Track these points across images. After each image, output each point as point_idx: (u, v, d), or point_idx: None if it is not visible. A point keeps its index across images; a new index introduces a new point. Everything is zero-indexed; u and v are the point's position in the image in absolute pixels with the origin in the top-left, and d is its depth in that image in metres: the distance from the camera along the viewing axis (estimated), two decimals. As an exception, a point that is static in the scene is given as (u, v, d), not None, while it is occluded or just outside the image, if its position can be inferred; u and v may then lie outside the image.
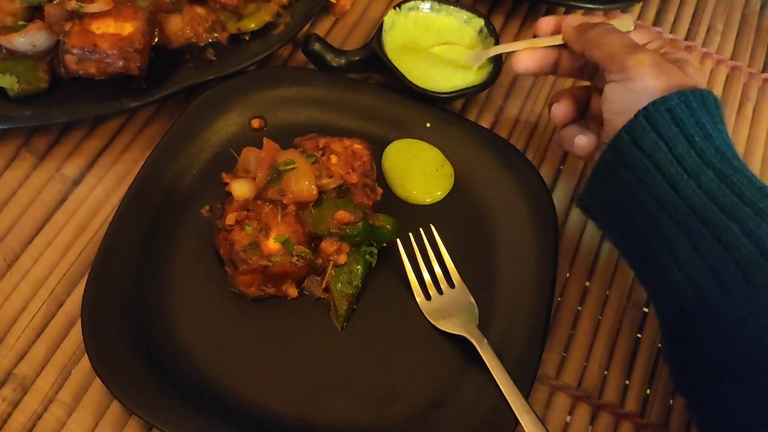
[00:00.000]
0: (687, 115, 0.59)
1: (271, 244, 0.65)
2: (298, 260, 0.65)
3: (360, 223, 0.67)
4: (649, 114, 0.59)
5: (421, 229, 0.71)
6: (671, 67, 0.63)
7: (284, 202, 0.66)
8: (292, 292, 0.67)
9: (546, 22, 0.75)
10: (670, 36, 0.96)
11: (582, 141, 0.70)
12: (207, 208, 0.70)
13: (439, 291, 0.69)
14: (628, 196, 0.61)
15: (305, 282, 0.68)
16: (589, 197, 0.67)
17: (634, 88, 0.62)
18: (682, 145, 0.58)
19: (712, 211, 0.56)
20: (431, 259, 0.70)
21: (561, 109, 0.73)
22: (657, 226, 0.59)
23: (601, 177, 0.64)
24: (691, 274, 0.56)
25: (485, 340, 0.65)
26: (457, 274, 0.70)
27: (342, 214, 0.66)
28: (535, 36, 0.76)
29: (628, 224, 0.63)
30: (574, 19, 0.72)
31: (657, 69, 0.62)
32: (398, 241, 0.69)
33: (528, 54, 0.73)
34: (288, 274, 0.66)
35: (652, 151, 0.59)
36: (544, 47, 0.74)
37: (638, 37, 0.69)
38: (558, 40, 0.74)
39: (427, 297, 0.69)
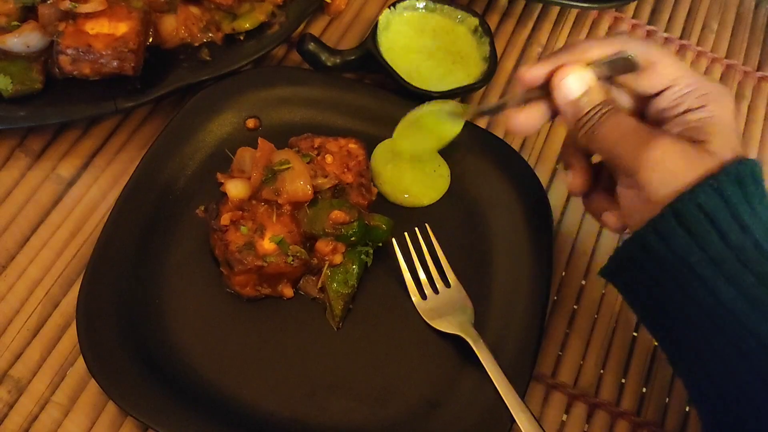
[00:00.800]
0: (720, 208, 0.51)
1: (267, 245, 0.65)
2: (293, 260, 0.65)
3: (355, 223, 0.66)
4: (677, 211, 0.52)
5: (416, 229, 0.71)
6: (691, 150, 0.53)
7: (279, 202, 0.66)
8: (288, 292, 0.67)
9: (530, 75, 0.61)
10: (665, 35, 0.96)
11: (611, 221, 0.61)
12: (202, 208, 0.69)
13: (435, 290, 0.69)
14: (658, 288, 0.56)
15: (301, 282, 0.68)
16: (614, 271, 0.61)
17: (646, 199, 0.54)
18: (717, 246, 0.51)
19: (756, 320, 0.51)
20: (427, 259, 0.70)
21: (578, 183, 0.64)
22: (694, 324, 0.54)
23: (627, 261, 0.58)
24: (741, 383, 0.52)
25: (481, 339, 0.65)
26: (453, 273, 0.70)
27: (337, 214, 0.66)
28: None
29: (659, 312, 0.58)
30: (566, 80, 0.59)
31: (670, 174, 0.53)
32: (393, 240, 0.69)
33: (523, 117, 0.62)
34: (283, 274, 0.66)
35: (684, 253, 0.52)
36: (537, 103, 0.62)
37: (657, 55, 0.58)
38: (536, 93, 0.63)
39: (423, 296, 0.69)
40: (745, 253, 0.51)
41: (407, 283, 0.69)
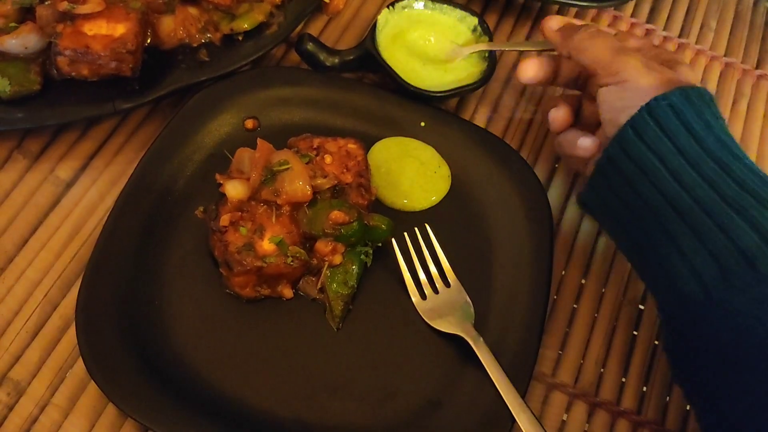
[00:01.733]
0: (687, 108, 0.60)
1: (266, 245, 0.65)
2: (292, 261, 0.64)
3: (355, 223, 0.66)
4: (651, 109, 0.61)
5: (416, 229, 0.71)
6: (661, 67, 0.65)
7: (278, 202, 0.66)
8: (287, 293, 0.67)
9: (550, 22, 0.75)
10: (664, 33, 0.96)
11: (586, 142, 0.69)
12: (201, 209, 0.69)
13: (435, 290, 0.69)
14: (631, 190, 0.62)
15: (300, 283, 0.68)
16: (591, 194, 0.67)
17: (629, 88, 0.63)
18: (684, 137, 0.59)
19: (714, 200, 0.57)
20: (426, 259, 0.70)
21: (560, 114, 0.73)
22: (660, 218, 0.60)
23: (604, 173, 0.65)
24: (694, 263, 0.57)
25: (481, 339, 0.65)
26: (453, 273, 0.70)
27: (337, 215, 0.66)
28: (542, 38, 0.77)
29: (630, 219, 0.64)
30: (555, 21, 0.74)
31: (647, 69, 0.64)
32: (393, 241, 0.69)
33: (532, 63, 0.75)
34: (283, 275, 0.66)
35: (655, 144, 0.60)
36: (547, 54, 0.75)
37: (623, 40, 0.70)
38: (546, 44, 0.75)
39: (423, 296, 0.69)
40: (708, 143, 0.59)
41: (407, 283, 0.69)
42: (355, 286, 0.67)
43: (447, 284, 0.70)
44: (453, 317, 0.67)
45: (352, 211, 0.67)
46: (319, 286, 0.67)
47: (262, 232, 0.65)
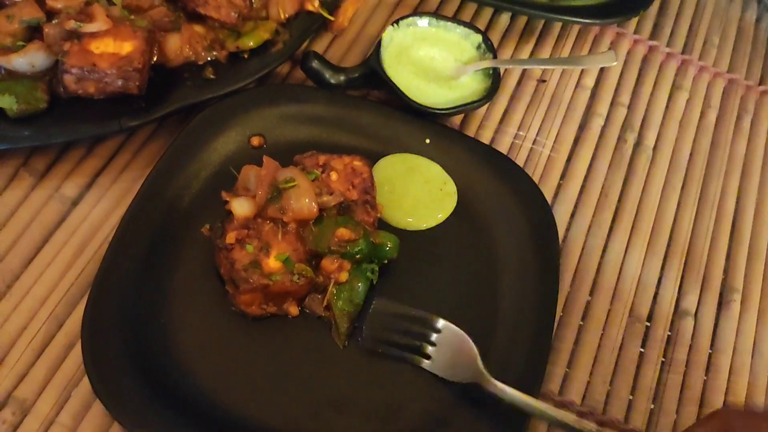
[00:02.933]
0: None
1: (272, 263, 0.65)
2: (299, 278, 0.64)
3: (361, 241, 0.66)
4: None
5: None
6: None
7: (284, 219, 0.66)
8: (293, 310, 0.67)
9: None
10: (667, 50, 0.97)
11: None
12: (207, 227, 0.69)
13: (432, 344, 0.66)
14: None
15: (306, 300, 0.68)
16: None
17: None
18: None
19: None
20: (410, 328, 0.66)
21: None
22: None
23: None
24: None
25: (491, 378, 0.62)
26: (436, 316, 0.66)
27: (343, 232, 0.66)
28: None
29: None
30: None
31: None
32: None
33: None
34: (289, 292, 0.66)
35: None
36: None
37: None
38: (550, 61, 0.71)
39: (427, 357, 0.66)
40: None
41: (410, 360, 0.66)
42: (361, 303, 0.67)
43: (437, 330, 0.66)
44: (462, 362, 0.64)
45: (358, 228, 0.67)
46: (324, 303, 0.67)
47: (268, 250, 0.65)
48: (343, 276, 0.67)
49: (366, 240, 0.67)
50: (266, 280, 0.63)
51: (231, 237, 0.65)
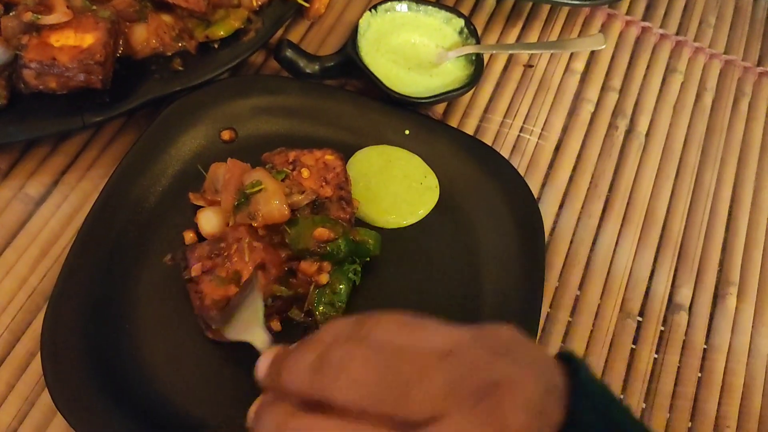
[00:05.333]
0: None
1: None
2: (273, 302, 0.61)
3: (340, 240, 0.63)
4: None
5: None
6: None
7: (255, 225, 0.62)
8: (275, 326, 0.63)
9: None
10: (660, 31, 0.93)
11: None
12: (168, 257, 0.65)
13: None
14: None
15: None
16: None
17: None
18: None
19: None
20: None
21: None
22: None
23: None
24: None
25: None
26: None
27: (321, 232, 0.63)
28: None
29: None
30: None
31: None
32: None
33: None
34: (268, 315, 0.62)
35: None
36: None
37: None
38: (539, 46, 0.70)
39: None
40: None
41: None
42: (344, 306, 0.64)
43: None
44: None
45: (336, 227, 0.63)
46: (305, 308, 0.64)
47: (239, 278, 0.60)
48: (324, 278, 0.63)
49: (346, 238, 0.63)
50: None
51: (196, 269, 0.61)
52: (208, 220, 0.63)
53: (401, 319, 0.41)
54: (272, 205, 0.62)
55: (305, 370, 0.39)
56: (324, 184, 0.66)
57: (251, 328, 0.52)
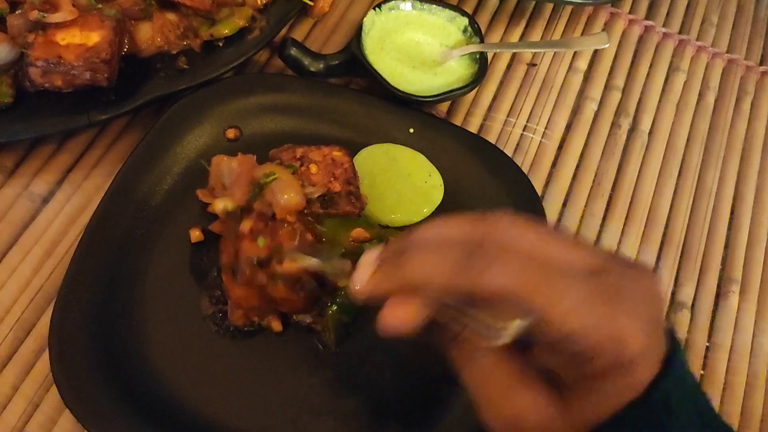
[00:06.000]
0: None
1: (285, 265, 0.59)
2: (300, 288, 0.60)
3: (376, 241, 0.63)
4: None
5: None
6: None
7: (276, 213, 0.62)
8: (276, 326, 0.63)
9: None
10: (663, 30, 0.93)
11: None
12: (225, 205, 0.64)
13: None
14: None
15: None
16: None
17: None
18: None
19: None
20: None
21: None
22: None
23: None
24: None
25: None
26: None
27: (359, 232, 0.63)
28: None
29: None
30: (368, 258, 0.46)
31: None
32: None
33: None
34: (284, 302, 0.61)
35: None
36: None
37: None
38: (544, 45, 0.71)
39: None
40: None
41: None
42: (356, 309, 0.63)
43: None
44: None
45: (373, 228, 0.64)
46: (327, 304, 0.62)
47: (280, 252, 0.60)
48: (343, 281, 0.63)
49: (381, 240, 0.63)
50: (266, 278, 0.58)
51: (246, 225, 0.60)
52: (226, 205, 0.63)
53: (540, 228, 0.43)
54: (289, 192, 0.62)
55: (451, 264, 0.40)
56: (332, 179, 0.67)
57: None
